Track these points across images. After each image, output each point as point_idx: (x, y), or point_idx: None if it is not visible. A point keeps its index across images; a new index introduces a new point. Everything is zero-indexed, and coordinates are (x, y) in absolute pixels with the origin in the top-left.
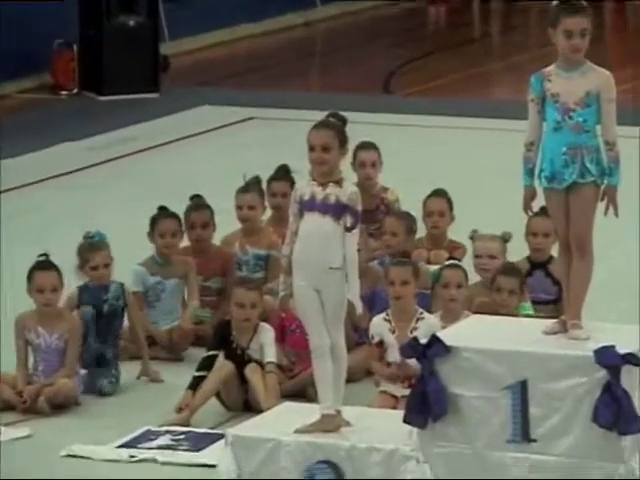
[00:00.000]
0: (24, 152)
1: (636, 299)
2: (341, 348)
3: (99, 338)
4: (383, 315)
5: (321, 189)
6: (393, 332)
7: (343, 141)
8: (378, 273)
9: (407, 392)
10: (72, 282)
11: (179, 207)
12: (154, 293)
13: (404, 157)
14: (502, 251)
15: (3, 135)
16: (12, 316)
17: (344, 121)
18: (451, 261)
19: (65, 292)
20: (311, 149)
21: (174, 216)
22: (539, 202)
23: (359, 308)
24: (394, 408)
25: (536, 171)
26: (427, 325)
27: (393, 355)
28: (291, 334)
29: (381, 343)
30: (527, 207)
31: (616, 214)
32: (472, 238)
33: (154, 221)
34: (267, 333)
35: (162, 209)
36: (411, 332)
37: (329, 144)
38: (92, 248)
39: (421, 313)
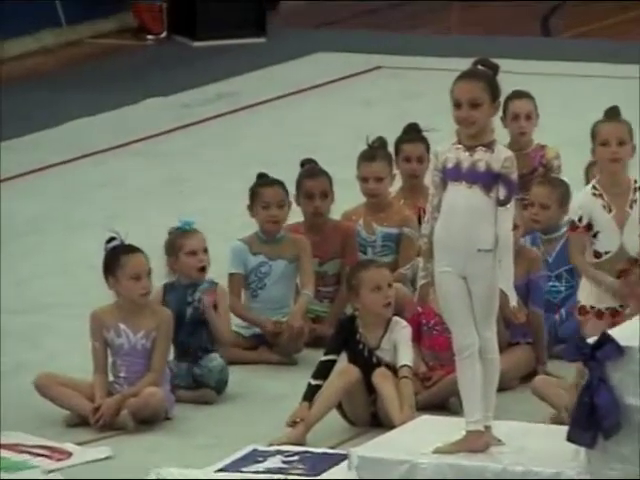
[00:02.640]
0: (100, 111)
1: None
2: (492, 349)
3: (178, 352)
4: (589, 189)
5: (468, 154)
6: (609, 210)
7: (495, 95)
8: (535, 256)
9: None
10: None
11: (288, 175)
12: (257, 278)
13: (565, 114)
14: None
15: (75, 89)
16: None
17: (495, 69)
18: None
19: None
20: (457, 105)
21: (279, 184)
22: None
23: (513, 299)
24: (613, 325)
25: None
26: None
27: (607, 243)
28: (430, 332)
29: (590, 226)
30: None
31: None
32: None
33: (254, 191)
34: (402, 330)
35: (262, 176)
36: (630, 207)
37: (479, 99)
38: (185, 233)
39: (635, 182)
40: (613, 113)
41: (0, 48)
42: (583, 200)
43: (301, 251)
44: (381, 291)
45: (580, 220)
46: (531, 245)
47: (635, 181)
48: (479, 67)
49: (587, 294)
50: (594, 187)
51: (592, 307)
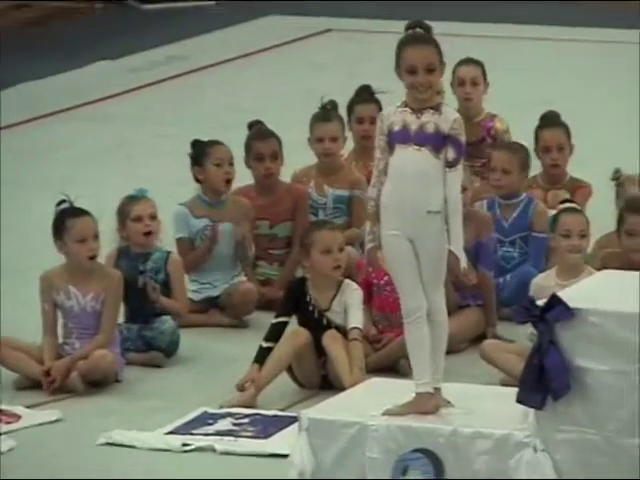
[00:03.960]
0: (49, 74)
1: None
2: (441, 311)
3: (132, 318)
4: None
5: (415, 117)
6: None
7: (442, 57)
8: (485, 219)
9: None
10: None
11: (237, 137)
12: (202, 241)
13: (516, 78)
14: None
15: (24, 52)
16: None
17: (429, 31)
18: (568, 204)
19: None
20: (412, 71)
21: (219, 144)
22: None
23: (463, 261)
24: None
25: None
26: None
27: None
28: (379, 293)
29: None
30: None
31: None
32: (617, 179)
33: (201, 150)
34: (353, 293)
35: (198, 142)
36: None
37: (434, 63)
38: (133, 199)
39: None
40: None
41: None
42: None
43: (245, 214)
44: (331, 254)
45: None
46: (487, 210)
47: None
48: (418, 30)
49: None
50: None
51: None
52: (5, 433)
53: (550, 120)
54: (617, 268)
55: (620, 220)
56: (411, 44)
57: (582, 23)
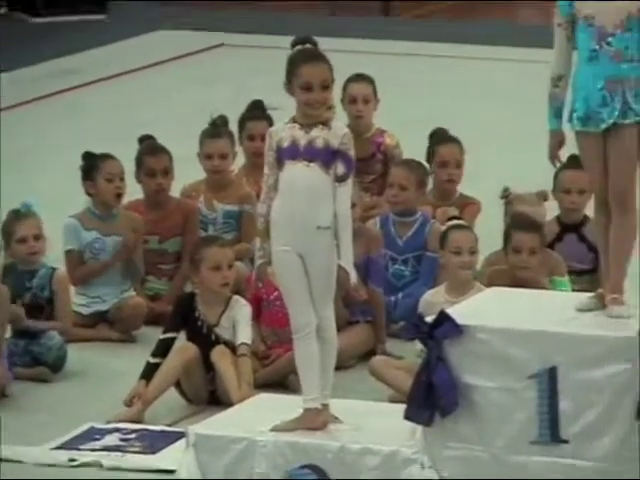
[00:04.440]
0: None
1: None
2: (330, 327)
3: (19, 334)
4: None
5: (304, 132)
6: None
7: (333, 75)
8: (375, 235)
9: None
10: None
11: (128, 152)
12: (92, 254)
13: (406, 94)
14: (545, 215)
15: None
16: None
17: (316, 46)
18: (456, 221)
19: None
20: (307, 88)
21: (110, 157)
22: (571, 149)
23: (353, 277)
24: None
25: (566, 112)
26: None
27: None
28: (268, 308)
29: None
30: (553, 156)
31: None
32: (506, 198)
33: (92, 164)
34: (242, 309)
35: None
36: None
37: (328, 81)
38: (18, 217)
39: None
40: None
41: None
42: None
43: (133, 229)
44: (220, 271)
45: None
46: (381, 227)
47: None
48: (308, 45)
49: None
50: None
51: None
52: None
53: (445, 136)
54: (504, 285)
55: (506, 237)
56: (307, 61)
57: (472, 40)
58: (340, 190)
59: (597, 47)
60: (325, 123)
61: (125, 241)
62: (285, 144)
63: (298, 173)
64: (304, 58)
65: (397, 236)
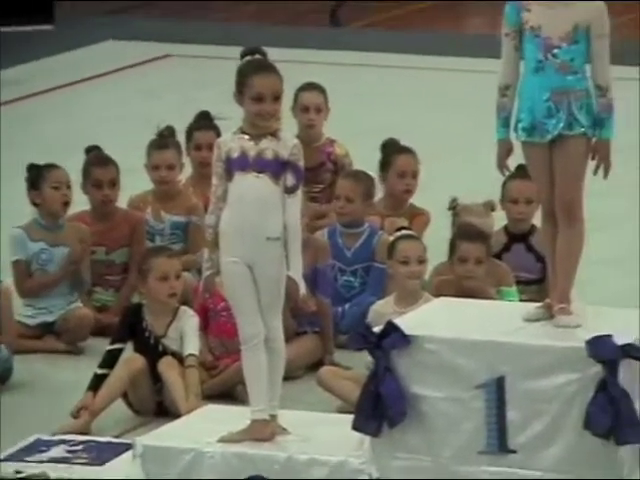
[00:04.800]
0: None
1: None
2: (278, 338)
3: None
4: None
5: (253, 143)
6: None
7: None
8: (323, 245)
9: None
10: None
11: (74, 163)
12: (39, 265)
13: (352, 104)
14: (493, 225)
15: None
16: None
17: (265, 56)
18: (405, 231)
19: None
20: (259, 99)
21: (56, 167)
22: (518, 159)
23: (302, 287)
24: None
25: (512, 121)
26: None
27: None
28: (216, 319)
29: None
30: (502, 165)
31: (605, 174)
32: (454, 209)
33: (38, 174)
34: (190, 319)
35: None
36: None
37: (280, 91)
38: None
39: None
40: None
41: None
42: None
43: (80, 240)
44: (167, 281)
45: None
46: (329, 238)
47: None
48: (257, 56)
49: None
50: None
51: None
52: None
53: (401, 146)
54: (451, 295)
55: (452, 248)
56: (258, 72)
57: (421, 51)
58: (290, 201)
59: (543, 58)
60: (274, 134)
61: (72, 252)
62: (234, 155)
63: (248, 184)
64: (255, 69)
65: (345, 247)
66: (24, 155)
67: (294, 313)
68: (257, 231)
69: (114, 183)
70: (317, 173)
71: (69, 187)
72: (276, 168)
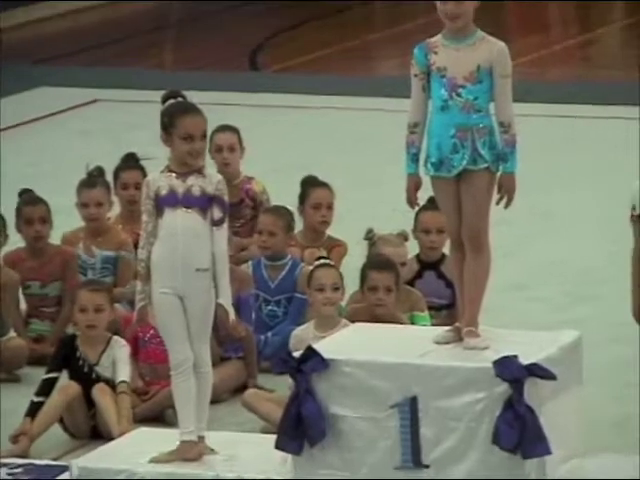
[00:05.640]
0: None
1: (550, 302)
2: (206, 364)
3: None
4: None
5: (181, 181)
6: None
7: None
8: (245, 276)
9: None
10: None
11: (7, 205)
12: None
13: (272, 143)
14: (407, 254)
15: None
16: None
17: (185, 98)
18: (322, 260)
19: None
20: (189, 138)
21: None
22: (430, 192)
23: (232, 314)
24: None
25: (422, 157)
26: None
27: None
28: (146, 345)
29: None
30: (411, 199)
31: (507, 205)
32: (370, 239)
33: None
34: (121, 349)
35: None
36: None
37: (206, 131)
38: None
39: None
40: None
41: None
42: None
43: (8, 280)
44: (86, 313)
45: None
46: (253, 270)
47: None
48: (172, 100)
49: None
50: None
51: None
52: None
53: (317, 181)
54: (364, 321)
55: (363, 277)
56: (186, 113)
57: (337, 92)
58: (217, 233)
59: (448, 97)
60: (200, 171)
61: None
62: (163, 192)
63: (177, 219)
64: (183, 110)
65: (269, 279)
66: None
67: (219, 340)
68: (187, 263)
69: (45, 220)
70: (237, 209)
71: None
72: (203, 203)
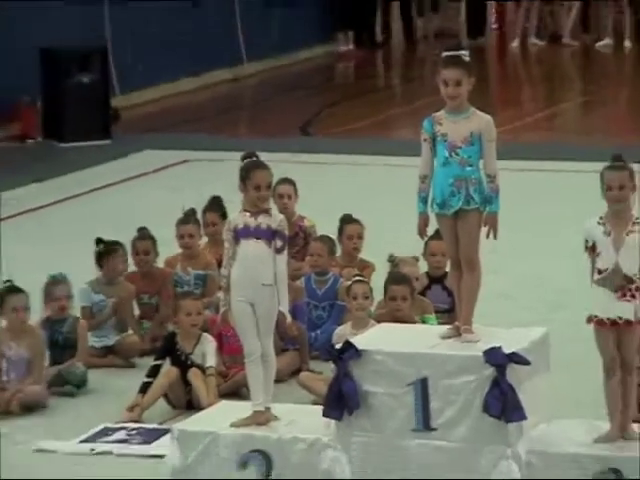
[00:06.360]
0: None
1: (529, 307)
2: (270, 354)
3: (55, 364)
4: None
5: (252, 219)
6: (608, 234)
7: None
8: (300, 289)
9: (622, 304)
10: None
11: (127, 238)
12: (98, 309)
13: (319, 190)
14: (418, 272)
15: None
16: None
17: (257, 157)
18: (357, 277)
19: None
20: (258, 188)
21: (118, 244)
22: (434, 226)
23: (288, 318)
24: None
25: (429, 200)
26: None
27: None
28: (227, 341)
29: (594, 247)
30: (421, 232)
31: (495, 237)
32: (392, 261)
33: (104, 252)
34: (209, 343)
35: (104, 243)
36: (627, 234)
37: (271, 182)
38: (55, 282)
39: (637, 218)
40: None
41: None
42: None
43: (127, 293)
44: (190, 316)
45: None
46: (305, 284)
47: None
48: (254, 159)
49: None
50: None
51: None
52: None
53: (351, 218)
54: (387, 322)
55: (385, 289)
56: (257, 168)
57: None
58: (279, 258)
59: (449, 156)
60: (267, 211)
61: (116, 302)
62: (240, 227)
63: (250, 247)
64: (255, 166)
65: (317, 290)
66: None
67: (280, 336)
68: (256, 280)
69: (148, 252)
70: (293, 240)
71: (125, 259)
72: (269, 235)
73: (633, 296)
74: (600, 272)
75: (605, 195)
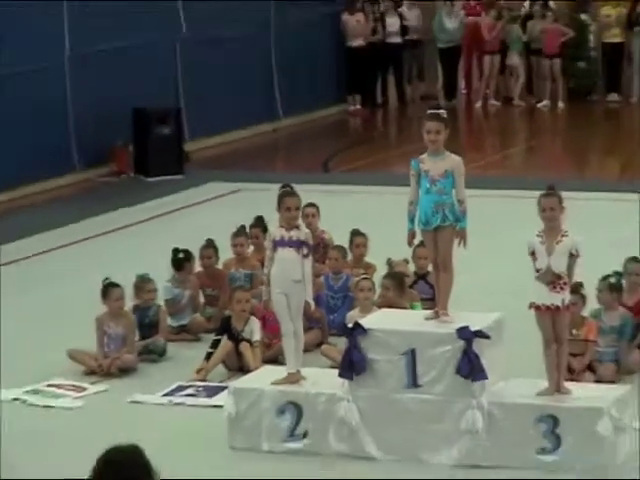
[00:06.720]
0: (100, 213)
1: (491, 297)
2: (300, 331)
3: (143, 339)
4: (536, 232)
5: (287, 232)
6: (543, 243)
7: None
8: (321, 284)
9: (554, 295)
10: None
11: (196, 247)
12: (178, 299)
13: (336, 212)
14: (408, 271)
15: (87, 203)
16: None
17: (290, 187)
18: (363, 275)
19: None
20: (289, 210)
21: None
22: (419, 238)
23: (312, 306)
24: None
25: (416, 219)
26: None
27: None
28: (268, 322)
29: (534, 253)
30: (410, 242)
31: (464, 246)
32: (389, 264)
33: (187, 256)
34: (255, 324)
35: (180, 251)
36: (557, 243)
37: (300, 206)
38: (142, 280)
39: (565, 232)
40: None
41: None
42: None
43: (195, 287)
44: (241, 304)
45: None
46: (325, 280)
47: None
48: (288, 188)
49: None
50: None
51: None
52: (78, 398)
53: (358, 232)
54: (385, 308)
55: (382, 284)
56: (288, 195)
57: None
58: (305, 261)
59: (429, 186)
60: (297, 227)
61: (191, 295)
62: (277, 238)
63: (285, 253)
64: (288, 194)
65: (334, 285)
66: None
67: (307, 318)
68: (289, 277)
69: (211, 257)
70: (316, 249)
71: (192, 263)
72: (298, 245)
73: (562, 288)
74: (538, 271)
75: (540, 215)
